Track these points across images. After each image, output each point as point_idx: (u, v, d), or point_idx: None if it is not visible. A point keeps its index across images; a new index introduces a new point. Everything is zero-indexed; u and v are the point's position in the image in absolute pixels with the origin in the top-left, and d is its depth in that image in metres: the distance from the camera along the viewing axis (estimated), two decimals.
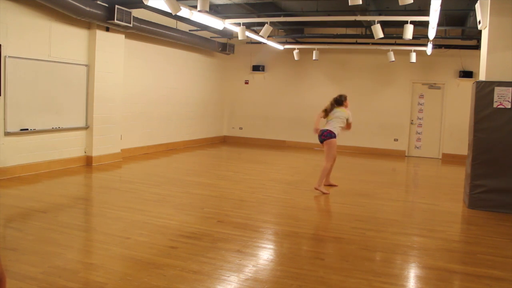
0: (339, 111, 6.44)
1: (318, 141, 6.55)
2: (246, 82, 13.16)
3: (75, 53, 7.56)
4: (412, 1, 5.46)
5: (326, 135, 6.34)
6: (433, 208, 5.88)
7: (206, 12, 6.71)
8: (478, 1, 5.83)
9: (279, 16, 8.38)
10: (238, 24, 7.93)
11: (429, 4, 5.68)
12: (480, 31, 6.30)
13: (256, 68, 12.87)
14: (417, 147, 11.54)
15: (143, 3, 6.76)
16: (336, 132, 6.36)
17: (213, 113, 12.69)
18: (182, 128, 11.20)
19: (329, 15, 8.21)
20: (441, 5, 5.67)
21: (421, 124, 11.47)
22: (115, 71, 8.32)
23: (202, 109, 12.06)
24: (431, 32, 7.56)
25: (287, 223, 4.94)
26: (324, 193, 6.28)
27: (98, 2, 7.23)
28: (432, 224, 5.04)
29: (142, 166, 8.35)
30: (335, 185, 6.87)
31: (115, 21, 7.34)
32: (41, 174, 6.84)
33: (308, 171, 8.35)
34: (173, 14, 6.30)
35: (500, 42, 5.67)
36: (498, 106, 5.60)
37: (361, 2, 5.55)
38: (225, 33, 10.22)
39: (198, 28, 10.14)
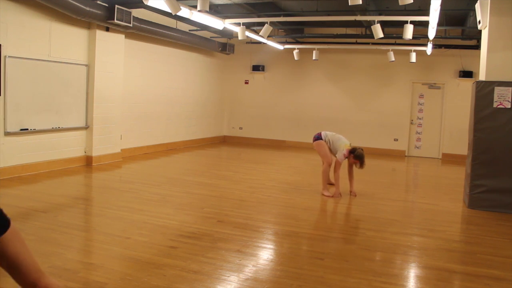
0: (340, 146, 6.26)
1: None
2: (246, 82, 13.15)
3: (75, 53, 7.56)
4: (412, 1, 5.46)
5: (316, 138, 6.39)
6: (433, 208, 5.88)
7: (206, 12, 6.71)
8: (478, 1, 5.83)
9: (279, 16, 8.37)
10: (238, 24, 7.93)
11: (429, 4, 5.68)
12: (480, 31, 6.30)
13: (256, 68, 12.86)
14: (417, 147, 11.54)
15: (143, 3, 6.76)
16: (323, 137, 6.35)
17: (213, 113, 12.69)
18: (182, 128, 11.20)
19: (329, 15, 8.21)
20: (441, 5, 5.66)
21: (421, 124, 11.47)
22: (115, 71, 8.32)
23: (202, 109, 12.06)
24: (431, 32, 7.56)
25: (287, 223, 4.94)
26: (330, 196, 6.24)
27: (98, 2, 7.23)
28: (432, 224, 5.04)
29: (142, 166, 8.35)
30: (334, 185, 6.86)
31: (115, 21, 7.33)
32: (41, 174, 6.84)
33: (308, 171, 8.34)
34: (173, 14, 6.30)
35: (500, 42, 5.67)
36: (498, 106, 5.60)
37: (361, 2, 5.55)
38: (225, 33, 10.22)
39: (198, 28, 10.13)
